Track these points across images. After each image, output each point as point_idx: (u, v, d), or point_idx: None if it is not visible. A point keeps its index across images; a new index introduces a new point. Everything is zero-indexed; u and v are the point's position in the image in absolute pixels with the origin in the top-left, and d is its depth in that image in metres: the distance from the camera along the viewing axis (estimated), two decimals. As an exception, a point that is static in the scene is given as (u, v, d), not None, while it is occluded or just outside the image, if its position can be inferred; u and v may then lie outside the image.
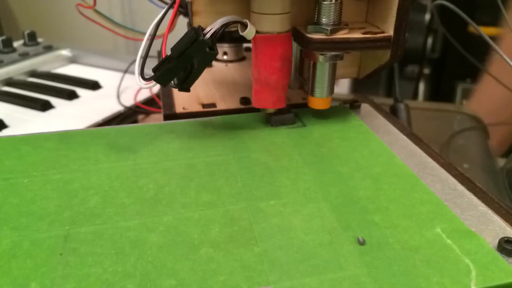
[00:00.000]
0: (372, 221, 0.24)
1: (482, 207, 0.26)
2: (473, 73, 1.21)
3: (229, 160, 0.30)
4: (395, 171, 0.29)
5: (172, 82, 0.30)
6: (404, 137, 0.34)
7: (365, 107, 0.39)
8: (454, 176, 0.29)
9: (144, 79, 0.29)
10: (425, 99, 1.30)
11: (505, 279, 0.20)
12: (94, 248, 0.22)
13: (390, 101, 0.54)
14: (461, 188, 0.27)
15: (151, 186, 0.27)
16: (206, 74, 0.48)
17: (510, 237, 0.22)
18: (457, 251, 0.22)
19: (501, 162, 0.62)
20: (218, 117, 0.36)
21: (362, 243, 0.23)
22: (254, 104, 0.35)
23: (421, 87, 1.29)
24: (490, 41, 0.42)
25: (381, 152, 0.31)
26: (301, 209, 0.25)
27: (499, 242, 0.22)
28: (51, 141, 0.32)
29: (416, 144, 0.33)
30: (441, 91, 1.29)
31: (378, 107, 0.39)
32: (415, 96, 1.26)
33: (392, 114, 0.51)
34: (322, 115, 0.37)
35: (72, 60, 0.76)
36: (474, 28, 0.43)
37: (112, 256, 0.22)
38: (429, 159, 0.30)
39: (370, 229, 0.24)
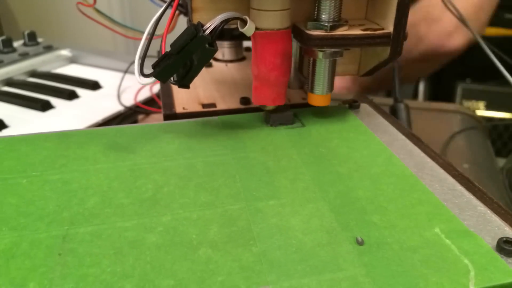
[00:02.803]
0: (371, 221, 0.24)
1: (481, 207, 0.26)
2: (473, 73, 1.21)
3: (228, 160, 0.30)
4: (394, 171, 0.29)
5: (172, 78, 0.30)
6: (403, 137, 0.34)
7: (364, 107, 0.39)
8: (453, 176, 0.29)
9: (143, 75, 0.29)
10: (425, 99, 1.30)
11: (503, 279, 0.20)
12: (93, 249, 0.22)
13: (390, 101, 0.54)
14: (460, 188, 0.27)
15: (149, 186, 0.27)
16: (206, 74, 0.48)
17: (509, 237, 0.22)
18: (455, 251, 0.22)
19: (501, 162, 0.62)
20: (218, 117, 0.36)
21: (360, 243, 0.23)
22: (254, 101, 0.35)
23: (421, 87, 1.29)
24: (482, 42, 0.42)
25: (380, 152, 0.31)
26: (299, 209, 0.25)
27: (498, 242, 0.22)
28: (50, 141, 0.32)
29: (415, 144, 0.32)
30: (441, 91, 1.29)
31: (377, 107, 0.39)
32: (415, 96, 1.26)
33: (392, 114, 0.51)
34: (321, 115, 0.37)
35: (72, 60, 0.76)
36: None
37: (111, 256, 0.22)
38: (428, 159, 0.30)
39: (368, 229, 0.24)
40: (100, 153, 0.31)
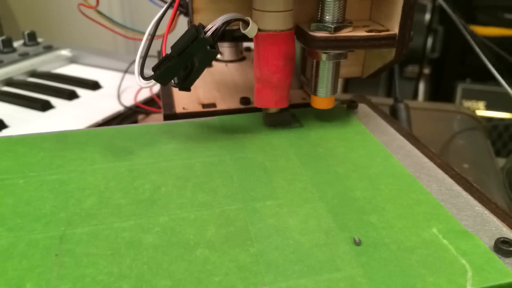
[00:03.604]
0: (369, 222, 0.24)
1: (479, 207, 0.26)
2: (473, 73, 1.21)
3: (225, 161, 0.30)
4: (392, 172, 0.29)
5: (173, 81, 0.30)
6: (401, 138, 0.34)
7: (362, 107, 0.39)
8: (451, 176, 0.29)
9: (144, 78, 0.29)
10: (425, 99, 1.30)
11: (501, 279, 0.20)
12: (90, 249, 0.22)
13: (390, 101, 0.54)
14: (457, 188, 0.27)
15: (147, 186, 0.27)
16: (206, 74, 0.48)
17: (506, 238, 0.22)
18: (453, 251, 0.22)
19: (501, 162, 0.62)
20: (216, 117, 0.36)
21: (358, 243, 0.23)
22: (256, 103, 0.34)
23: (421, 87, 1.29)
24: (470, 38, 0.42)
25: (378, 153, 0.31)
26: (297, 209, 0.25)
27: (495, 243, 0.22)
28: (47, 141, 0.32)
29: (413, 144, 0.32)
30: (441, 91, 1.29)
31: (375, 108, 0.39)
32: (415, 96, 1.26)
33: (391, 114, 0.51)
34: (320, 115, 0.37)
35: (72, 60, 0.76)
36: (463, 27, 0.43)
37: (108, 257, 0.22)
38: (426, 160, 0.30)
39: (366, 229, 0.24)
40: (98, 153, 0.31)
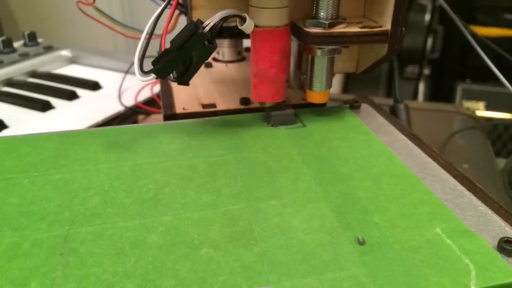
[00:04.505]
0: (372, 221, 0.24)
1: (482, 207, 0.26)
2: (473, 73, 1.21)
3: (229, 160, 0.30)
4: (395, 172, 0.29)
5: (172, 75, 0.30)
6: (404, 138, 0.34)
7: (365, 107, 0.39)
8: (454, 176, 0.29)
9: (143, 72, 0.30)
10: (425, 99, 1.30)
11: (504, 279, 0.20)
12: (94, 248, 0.22)
13: (390, 101, 0.54)
14: (460, 188, 0.27)
15: (151, 186, 0.27)
16: (206, 74, 0.48)
17: (509, 237, 0.22)
18: (456, 251, 0.22)
19: (501, 162, 0.62)
20: (218, 117, 0.36)
21: (362, 243, 0.23)
22: (253, 98, 0.35)
23: (421, 87, 1.29)
24: (470, 37, 0.42)
25: (381, 153, 0.31)
26: (301, 209, 0.25)
27: (499, 242, 0.22)
28: (51, 141, 0.32)
29: (416, 144, 0.33)
30: (441, 91, 1.29)
31: (378, 107, 0.39)
32: (415, 96, 1.26)
33: (392, 115, 0.51)
34: (322, 115, 0.37)
35: (72, 61, 0.76)
36: (462, 27, 0.43)
37: (112, 256, 0.22)
38: (429, 159, 0.31)
39: (370, 229, 0.24)
40: (101, 153, 0.31)
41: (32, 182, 0.27)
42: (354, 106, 0.38)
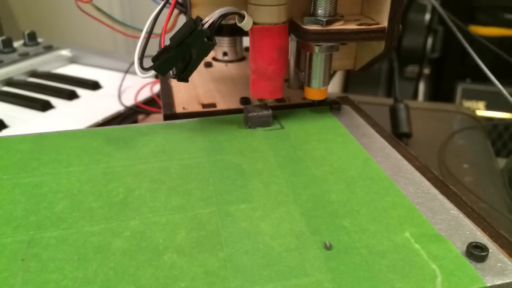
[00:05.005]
0: (341, 225, 0.24)
1: (454, 211, 0.25)
2: (473, 73, 1.20)
3: (202, 163, 0.30)
4: (370, 174, 0.29)
5: (171, 72, 0.31)
6: (382, 140, 0.33)
7: (346, 109, 0.38)
8: (429, 179, 0.28)
9: (143, 69, 0.30)
10: (425, 99, 1.30)
11: (471, 285, 0.20)
12: (57, 254, 0.22)
13: (390, 101, 0.54)
14: (434, 191, 0.27)
15: (121, 189, 0.27)
16: (206, 74, 0.48)
17: (478, 242, 0.22)
18: (424, 256, 0.22)
19: (501, 162, 0.62)
20: (196, 119, 0.36)
21: (328, 248, 0.22)
22: (252, 95, 0.35)
23: (421, 87, 1.29)
24: (461, 40, 0.42)
25: (357, 155, 0.31)
26: (270, 213, 0.25)
27: (467, 247, 0.22)
28: (25, 144, 0.32)
29: (394, 146, 0.32)
30: (441, 91, 1.29)
31: (359, 109, 0.39)
32: (415, 96, 1.26)
33: (391, 114, 0.51)
34: (301, 116, 0.36)
35: (72, 60, 0.76)
36: (457, 27, 0.43)
37: (74, 261, 0.21)
38: (405, 162, 0.30)
39: (338, 233, 0.23)
40: (74, 155, 0.30)
41: (1, 185, 0.27)
42: (334, 107, 0.38)
